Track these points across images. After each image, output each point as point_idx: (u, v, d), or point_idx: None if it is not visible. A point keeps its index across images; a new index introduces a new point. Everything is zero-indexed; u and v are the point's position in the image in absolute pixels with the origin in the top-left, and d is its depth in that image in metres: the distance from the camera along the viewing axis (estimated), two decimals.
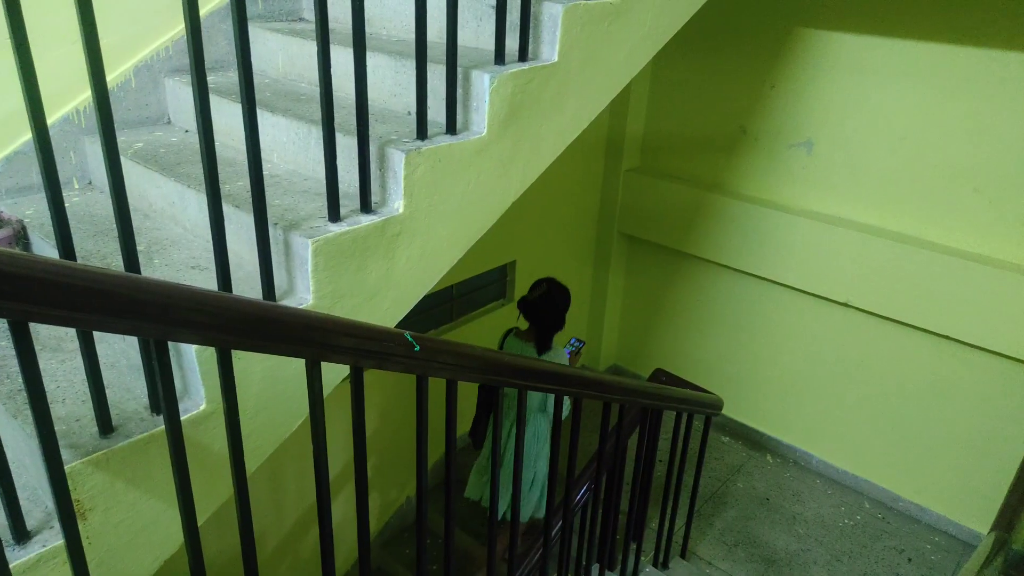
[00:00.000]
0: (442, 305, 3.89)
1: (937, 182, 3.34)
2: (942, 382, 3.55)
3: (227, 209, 1.51)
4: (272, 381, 1.39)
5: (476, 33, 1.87)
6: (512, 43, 1.76)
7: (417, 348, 1.36)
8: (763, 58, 3.71)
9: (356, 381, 1.32)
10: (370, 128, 1.61)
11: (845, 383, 3.91)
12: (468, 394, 1.95)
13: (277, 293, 1.44)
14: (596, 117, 2.10)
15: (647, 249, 4.56)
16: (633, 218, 4.46)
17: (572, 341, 3.15)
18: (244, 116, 1.28)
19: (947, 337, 3.40)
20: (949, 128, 3.24)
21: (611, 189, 4.49)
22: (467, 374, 1.65)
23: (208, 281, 1.46)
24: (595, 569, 2.58)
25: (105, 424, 1.18)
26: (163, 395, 1.04)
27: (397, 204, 1.55)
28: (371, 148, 1.55)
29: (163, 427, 1.18)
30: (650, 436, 2.70)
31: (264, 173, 1.69)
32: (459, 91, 1.68)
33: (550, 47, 1.80)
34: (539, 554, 2.40)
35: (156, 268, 1.51)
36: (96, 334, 1.21)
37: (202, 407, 1.27)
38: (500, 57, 1.73)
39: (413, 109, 1.61)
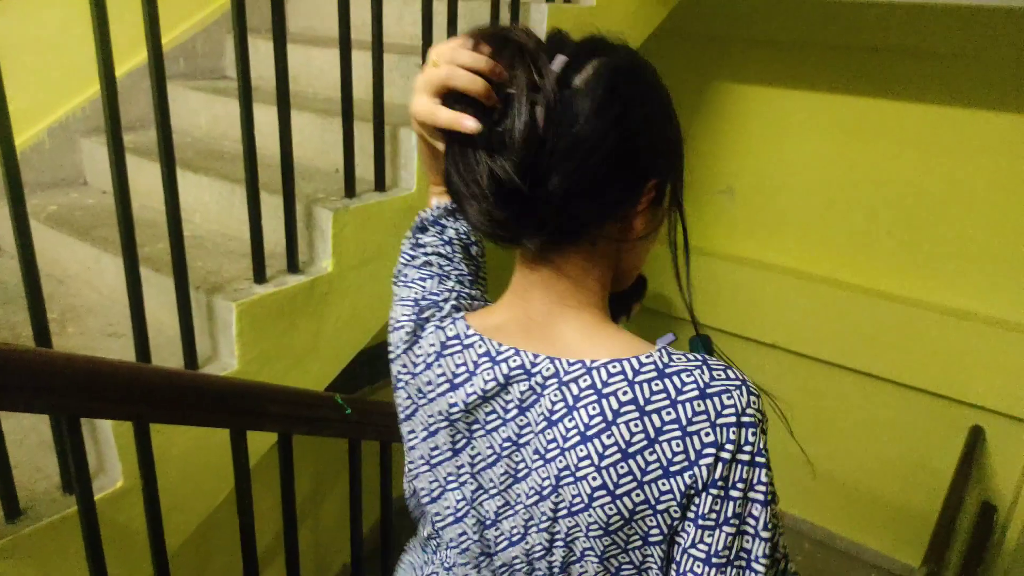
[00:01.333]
0: (377, 361, 3.82)
1: (852, 226, 3.51)
2: (870, 419, 3.67)
3: (146, 273, 1.46)
4: (195, 452, 1.33)
5: (404, 91, 1.89)
6: None
7: (348, 411, 1.34)
8: (684, 109, 3.86)
9: (284, 449, 1.29)
10: (297, 186, 1.60)
11: (777, 424, 4.00)
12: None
13: (200, 360, 1.39)
14: None
15: None
16: None
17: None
18: (163, 176, 1.25)
19: (870, 375, 3.52)
20: (859, 174, 3.42)
21: None
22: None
23: (126, 350, 1.40)
24: None
25: (12, 508, 1.11)
26: (76, 473, 0.99)
27: (325, 263, 1.54)
28: (298, 207, 1.54)
29: (76, 507, 1.11)
30: None
31: (186, 234, 1.65)
32: (387, 148, 1.69)
33: None
34: None
35: (70, 337, 1.45)
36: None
37: (119, 483, 1.21)
38: None
39: (341, 167, 1.61)
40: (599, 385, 0.65)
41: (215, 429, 1.32)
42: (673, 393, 0.64)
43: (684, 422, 0.63)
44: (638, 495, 0.63)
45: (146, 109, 2.13)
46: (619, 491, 0.64)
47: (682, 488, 0.63)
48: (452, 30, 1.73)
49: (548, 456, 0.67)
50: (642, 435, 0.63)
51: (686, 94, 3.85)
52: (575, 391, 0.66)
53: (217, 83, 2.21)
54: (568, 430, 0.66)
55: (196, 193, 1.74)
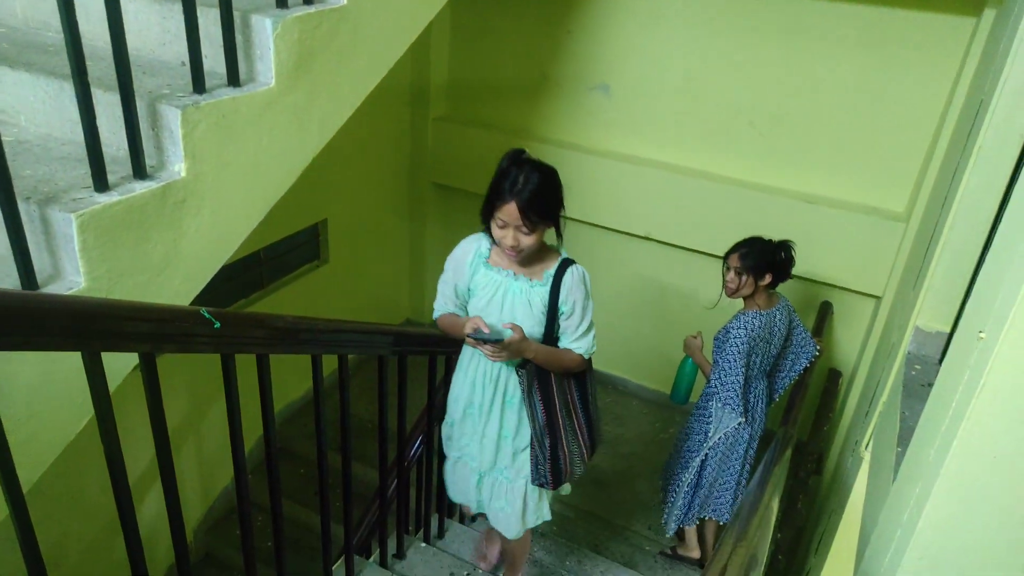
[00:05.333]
0: (249, 272, 3.64)
1: (719, 119, 3.59)
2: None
3: None
4: (45, 380, 1.20)
5: None
6: None
7: (217, 325, 1.23)
8: (558, 2, 3.74)
9: (148, 369, 1.18)
10: (138, 81, 1.41)
11: (650, 310, 4.18)
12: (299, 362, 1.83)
13: (40, 279, 1.23)
14: (398, 64, 2.01)
15: (462, 198, 4.53)
16: (445, 167, 4.40)
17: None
18: None
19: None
20: (726, 68, 3.47)
21: (420, 139, 4.38)
22: (279, 346, 1.54)
23: None
24: (434, 519, 2.58)
25: None
26: None
27: (178, 167, 1.38)
28: (140, 105, 1.36)
29: None
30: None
31: (9, 139, 1.44)
32: (239, 38, 1.51)
33: None
34: (377, 514, 2.36)
35: None
36: None
37: None
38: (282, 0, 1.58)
39: (187, 59, 1.43)
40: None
41: (65, 353, 1.18)
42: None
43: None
44: None
45: None
46: None
47: None
48: None
49: None
50: None
51: None
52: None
53: None
54: None
55: (17, 92, 1.50)
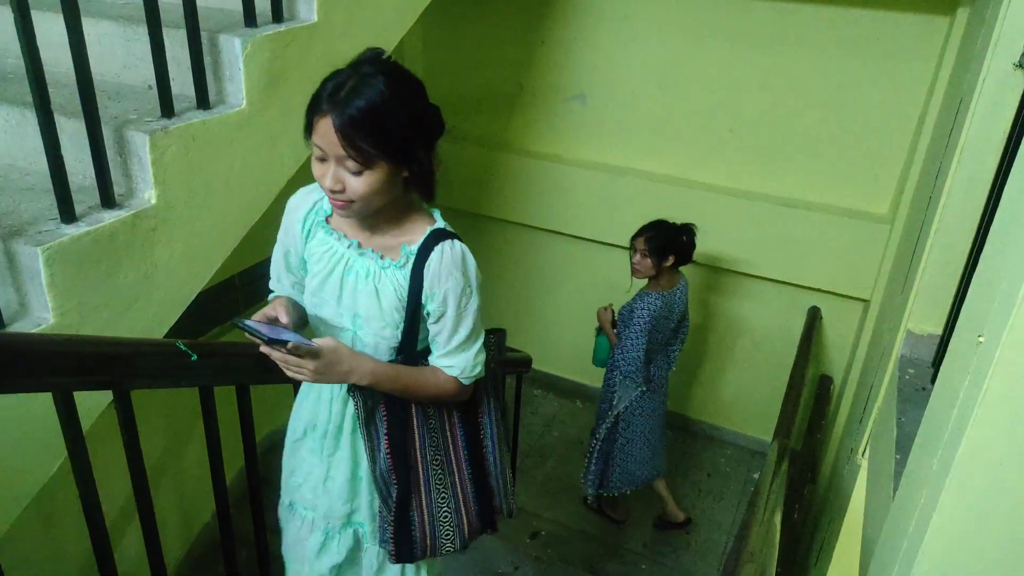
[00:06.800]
0: (225, 298, 3.59)
1: (698, 125, 3.61)
2: (723, 313, 3.91)
3: None
4: (14, 424, 1.16)
5: None
6: (263, 2, 1.60)
7: (194, 357, 1.21)
8: (532, 13, 3.76)
9: (123, 406, 1.15)
10: (104, 107, 1.38)
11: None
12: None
13: (5, 316, 1.20)
14: None
15: (442, 214, 4.52)
16: None
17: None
18: None
19: (723, 269, 3.72)
20: (703, 74, 3.49)
21: None
22: (261, 376, 1.51)
23: None
24: None
25: None
26: None
27: (148, 194, 1.36)
28: (106, 131, 1.33)
29: None
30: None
31: None
32: (208, 59, 1.49)
33: (307, 5, 1.66)
34: None
35: None
36: None
37: None
38: (251, 18, 1.56)
39: (154, 82, 1.40)
40: None
41: (35, 394, 1.15)
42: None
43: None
44: None
45: None
46: None
47: None
48: None
49: None
50: None
51: (537, 5, 3.74)
52: None
53: None
54: None
55: None
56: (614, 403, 3.01)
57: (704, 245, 3.67)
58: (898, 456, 1.66)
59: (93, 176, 1.31)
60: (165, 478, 3.26)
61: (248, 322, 1.12)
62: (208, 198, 1.49)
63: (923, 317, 2.09)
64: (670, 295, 2.94)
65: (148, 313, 1.40)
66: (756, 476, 3.79)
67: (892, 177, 3.28)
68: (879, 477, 1.89)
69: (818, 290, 3.52)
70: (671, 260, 2.90)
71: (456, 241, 1.32)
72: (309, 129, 1.16)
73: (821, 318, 3.60)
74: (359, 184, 1.17)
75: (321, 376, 1.20)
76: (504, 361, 2.89)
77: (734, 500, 3.74)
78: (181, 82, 1.49)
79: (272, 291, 1.42)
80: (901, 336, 2.14)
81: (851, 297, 3.47)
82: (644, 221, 3.69)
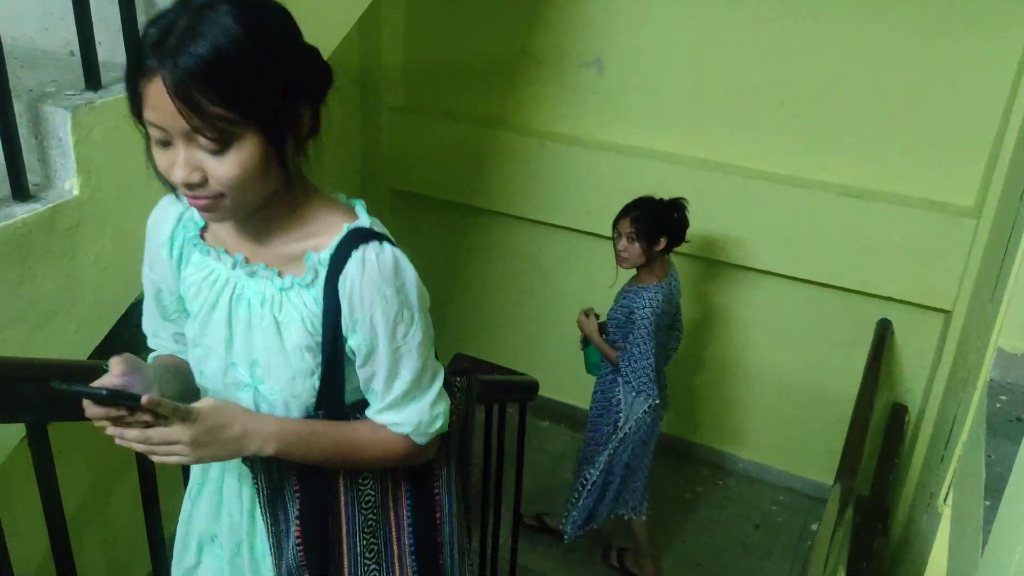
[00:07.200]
0: None
1: (741, 98, 3.60)
2: (765, 323, 3.89)
3: None
4: None
5: None
6: None
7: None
8: None
9: (38, 442, 1.15)
10: (14, 78, 1.39)
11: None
12: None
13: None
14: (343, 46, 2.01)
15: (427, 207, 4.51)
16: (405, 170, 4.38)
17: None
18: None
19: (770, 273, 3.72)
20: (750, 35, 3.49)
21: (373, 136, 4.37)
22: None
23: None
24: None
25: None
26: None
27: (69, 184, 1.36)
28: (18, 106, 1.34)
29: None
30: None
31: None
32: (142, 18, 1.50)
33: None
34: None
35: None
36: None
37: None
38: None
39: (77, 48, 1.41)
40: None
41: None
42: None
43: None
44: None
45: None
46: None
47: None
48: None
49: None
50: None
51: None
52: None
53: None
54: None
55: None
56: (619, 423, 3.04)
57: (746, 245, 3.67)
58: (988, 502, 1.65)
59: (2, 162, 1.31)
60: (90, 529, 3.27)
61: (74, 386, 0.95)
62: (143, 189, 1.49)
63: (1017, 332, 2.08)
64: (668, 285, 3.00)
65: (69, 329, 1.40)
66: (815, 527, 3.77)
67: (978, 161, 3.28)
68: (965, 528, 1.89)
69: (889, 299, 3.51)
70: (662, 243, 2.93)
71: (385, 244, 1.13)
72: (136, 103, 0.98)
73: (893, 333, 3.59)
74: (224, 168, 0.98)
75: (202, 450, 1.01)
76: (504, 386, 2.91)
77: (787, 557, 3.73)
78: (110, 46, 1.50)
79: (152, 350, 1.28)
80: (991, 355, 2.13)
81: (929, 307, 3.46)
82: None
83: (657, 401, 3.00)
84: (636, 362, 2.94)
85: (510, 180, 4.07)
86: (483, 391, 2.81)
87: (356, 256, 1.09)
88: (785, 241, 3.59)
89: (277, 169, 1.05)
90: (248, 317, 1.13)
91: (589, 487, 3.12)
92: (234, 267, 1.14)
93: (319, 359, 1.13)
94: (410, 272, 1.15)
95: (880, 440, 3.60)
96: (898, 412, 3.70)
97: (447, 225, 4.52)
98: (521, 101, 4.06)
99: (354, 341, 1.12)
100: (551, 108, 3.99)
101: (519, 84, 4.04)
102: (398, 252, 1.14)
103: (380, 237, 1.13)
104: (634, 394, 2.98)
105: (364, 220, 1.17)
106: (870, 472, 3.48)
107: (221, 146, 0.97)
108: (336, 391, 1.16)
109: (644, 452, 3.13)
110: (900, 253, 3.39)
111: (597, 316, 3.15)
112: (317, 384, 1.15)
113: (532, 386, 3.08)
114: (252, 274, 1.13)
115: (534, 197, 4.03)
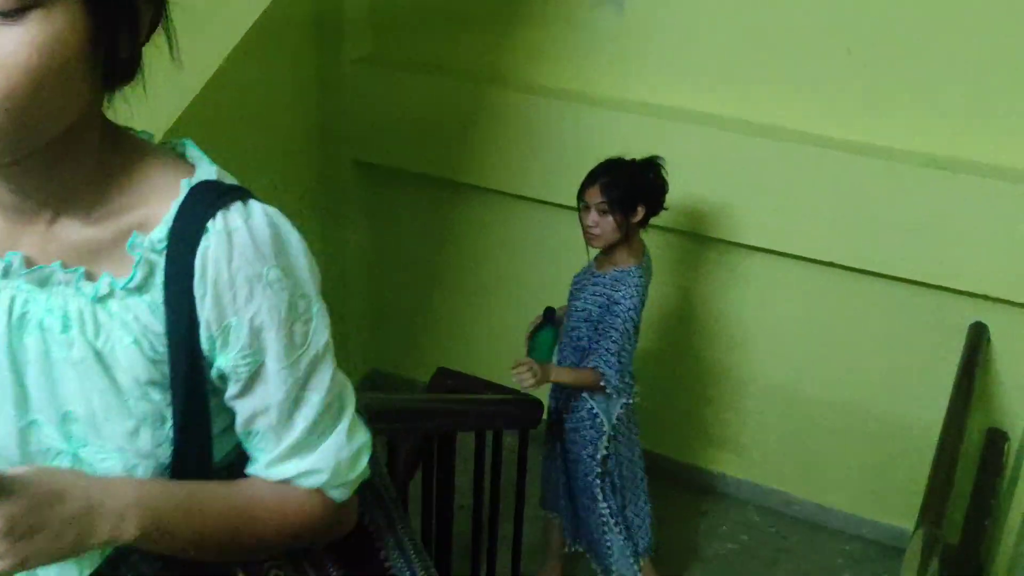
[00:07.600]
0: None
1: (796, 45, 3.54)
2: (826, 329, 3.83)
3: None
4: None
5: None
6: None
7: None
8: None
9: None
10: None
11: (701, 348, 4.09)
12: None
13: None
14: None
15: (400, 182, 4.46)
16: (370, 135, 4.31)
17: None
18: None
19: (836, 266, 3.65)
20: None
21: (333, 94, 4.30)
22: None
23: None
24: None
25: None
26: None
27: None
28: None
29: None
30: (440, 475, 2.62)
31: None
32: None
33: None
34: None
35: None
36: None
37: None
38: None
39: None
40: None
41: None
42: None
43: None
44: None
45: None
46: None
47: None
48: None
49: None
50: None
51: None
52: None
53: None
54: None
55: None
56: (602, 436, 3.04)
57: (804, 231, 3.60)
58: None
59: None
60: None
61: None
62: None
63: None
64: (647, 268, 3.04)
65: None
66: None
67: None
68: None
69: (984, 297, 3.47)
70: (640, 213, 2.92)
71: (252, 201, 0.95)
72: None
73: (989, 340, 3.53)
74: (9, 45, 0.72)
75: (25, 544, 0.77)
76: (499, 409, 2.82)
77: None
78: None
79: None
80: None
81: None
82: (715, 190, 3.63)
83: (632, 401, 3.07)
84: (623, 362, 2.90)
85: (505, 149, 4.02)
86: (469, 415, 2.76)
87: (214, 228, 0.89)
88: (850, 225, 3.53)
89: (90, 82, 0.81)
90: (44, 350, 0.90)
91: (610, 519, 3.09)
92: (6, 274, 0.90)
93: (169, 397, 0.92)
94: (295, 238, 1.00)
95: (973, 475, 3.54)
96: (996, 439, 3.65)
97: (424, 205, 4.48)
98: (519, 49, 4.01)
99: (225, 360, 0.93)
100: (557, 58, 3.94)
101: (516, 28, 3.99)
102: (270, 210, 0.96)
103: (239, 192, 0.94)
104: (614, 397, 2.98)
105: (207, 169, 0.96)
106: (960, 516, 3.42)
107: (14, 5, 0.71)
108: (202, 442, 0.96)
109: (632, 462, 3.18)
110: (996, 239, 3.34)
111: (554, 313, 3.19)
112: (172, 434, 0.93)
113: (534, 408, 3.02)
114: (42, 282, 0.90)
115: (535, 171, 3.98)
